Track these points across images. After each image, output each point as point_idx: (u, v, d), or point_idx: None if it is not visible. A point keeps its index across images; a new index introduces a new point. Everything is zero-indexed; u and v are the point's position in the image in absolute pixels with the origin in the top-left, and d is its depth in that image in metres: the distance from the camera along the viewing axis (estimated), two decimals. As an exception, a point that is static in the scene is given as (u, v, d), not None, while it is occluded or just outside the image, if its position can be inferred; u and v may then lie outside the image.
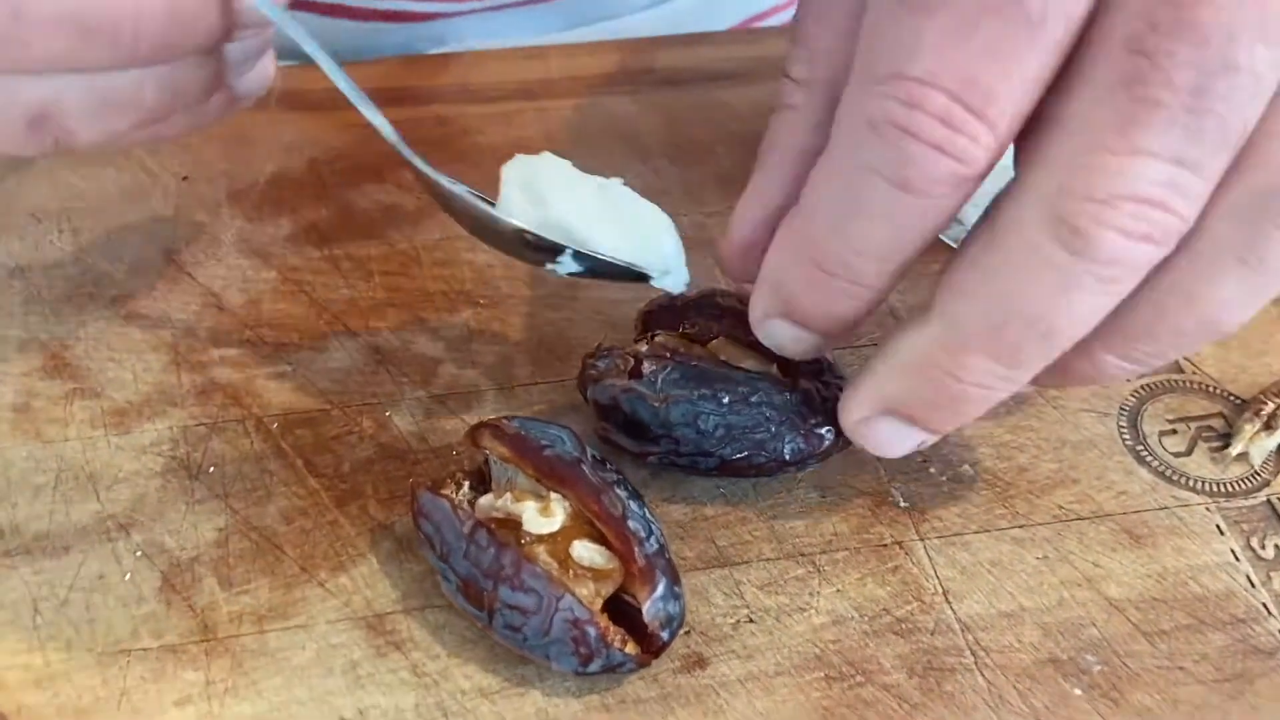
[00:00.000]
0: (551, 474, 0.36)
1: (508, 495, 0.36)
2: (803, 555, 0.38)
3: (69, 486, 0.40)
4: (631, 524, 0.35)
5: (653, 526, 0.35)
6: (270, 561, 0.38)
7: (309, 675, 0.35)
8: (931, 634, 0.36)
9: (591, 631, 0.33)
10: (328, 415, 0.42)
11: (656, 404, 0.38)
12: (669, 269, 0.37)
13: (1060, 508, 0.39)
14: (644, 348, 0.39)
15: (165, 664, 0.35)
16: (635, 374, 0.39)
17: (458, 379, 0.44)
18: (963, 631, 0.36)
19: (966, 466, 0.40)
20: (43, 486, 0.40)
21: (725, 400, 0.37)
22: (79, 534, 0.38)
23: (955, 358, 0.31)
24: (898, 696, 0.34)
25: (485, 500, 0.36)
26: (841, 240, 0.32)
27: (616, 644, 0.33)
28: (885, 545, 0.38)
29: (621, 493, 0.35)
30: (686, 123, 0.54)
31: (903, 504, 0.39)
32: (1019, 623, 0.36)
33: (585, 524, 0.35)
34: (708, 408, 0.37)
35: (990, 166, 0.30)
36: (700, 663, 0.35)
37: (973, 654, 0.35)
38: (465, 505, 0.36)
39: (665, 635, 0.34)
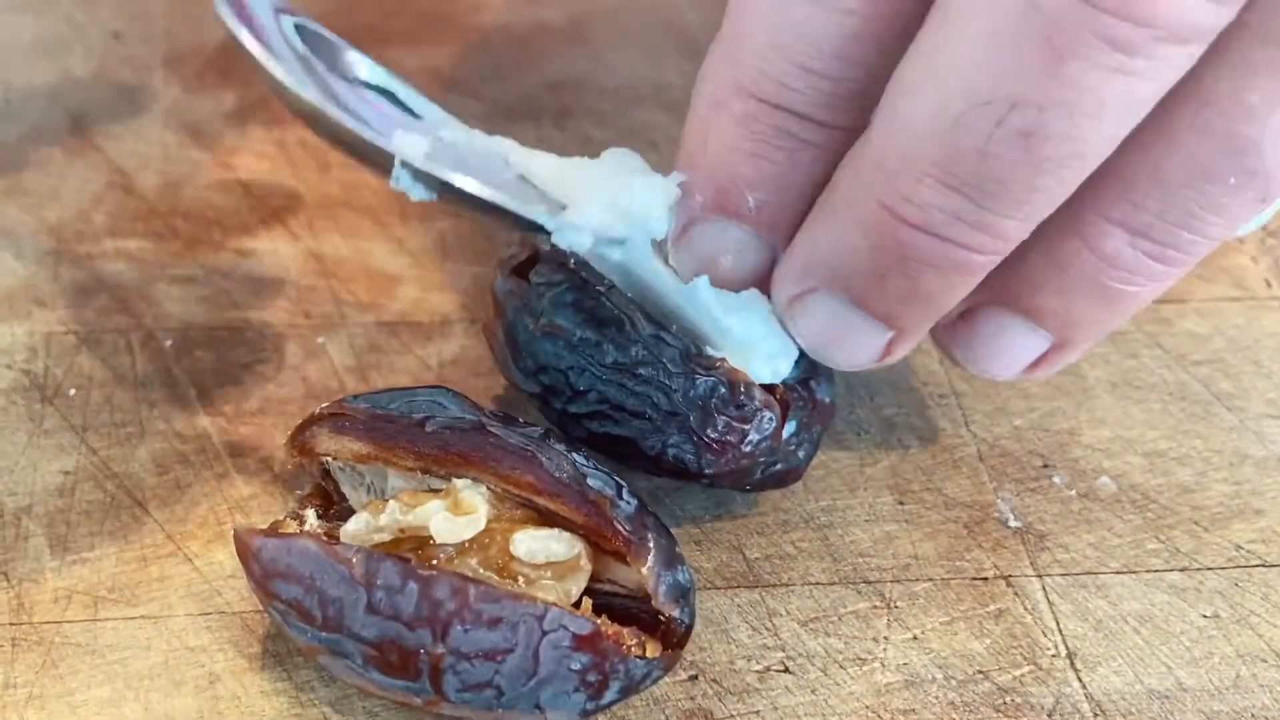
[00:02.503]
0: (447, 454, 0.24)
1: (391, 506, 0.24)
2: (867, 583, 0.27)
3: (-119, 397, 0.29)
4: (591, 483, 0.24)
5: (617, 479, 0.24)
6: (125, 522, 0.27)
7: (148, 689, 0.24)
8: (1050, 715, 0.25)
9: (603, 644, 0.22)
10: (240, 336, 0.32)
11: (531, 325, 0.27)
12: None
13: (1238, 548, 0.28)
14: (546, 245, 0.28)
15: (-46, 653, 0.25)
16: (522, 271, 0.28)
17: (419, 304, 0.33)
18: (1095, 716, 0.25)
19: (1106, 479, 0.29)
20: None
21: (609, 360, 0.26)
22: (-122, 461, 0.28)
23: (894, 181, 0.22)
24: (997, 805, 0.23)
25: (354, 525, 0.24)
26: (775, 51, 0.23)
27: (634, 651, 0.23)
28: (986, 579, 0.27)
29: (558, 447, 0.25)
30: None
31: (1013, 523, 0.28)
32: (1177, 709, 0.25)
33: (518, 508, 0.24)
34: (584, 360, 0.26)
35: None
36: (709, 725, 0.24)
37: (1109, 751, 0.24)
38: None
39: (684, 616, 0.24)
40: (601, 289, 0.27)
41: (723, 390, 0.26)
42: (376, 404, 0.25)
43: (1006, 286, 0.24)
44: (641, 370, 0.26)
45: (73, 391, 0.30)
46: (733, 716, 0.24)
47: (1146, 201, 0.22)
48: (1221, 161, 0.21)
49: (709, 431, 0.26)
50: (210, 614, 0.26)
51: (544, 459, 0.24)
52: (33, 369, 0.31)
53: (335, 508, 0.26)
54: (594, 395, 0.27)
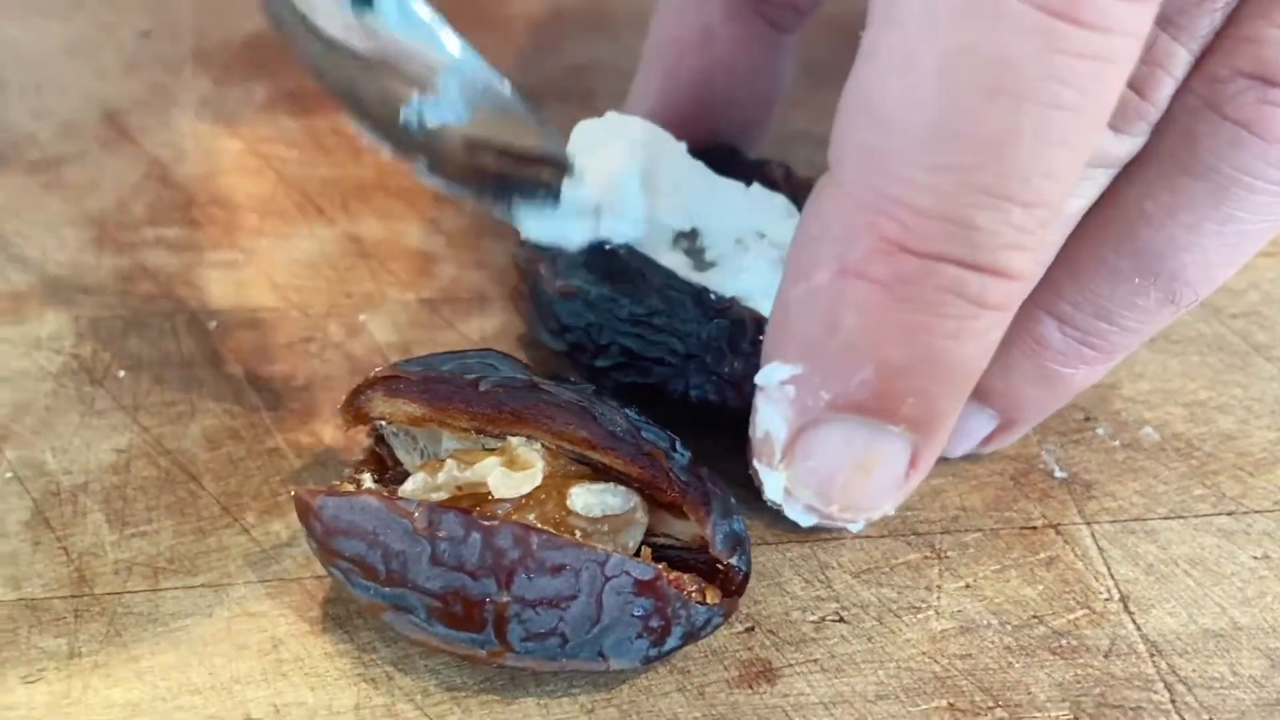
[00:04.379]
0: (501, 413, 0.24)
1: (448, 464, 0.24)
2: (916, 534, 0.27)
3: (-67, 384, 0.30)
4: (646, 436, 0.24)
5: (670, 434, 0.25)
6: (181, 497, 0.28)
7: (212, 654, 0.25)
8: (1106, 656, 0.25)
9: (664, 589, 0.23)
10: (284, 316, 0.32)
11: (550, 290, 0.28)
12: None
13: (1284, 491, 0.28)
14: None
15: (18, 624, 0.25)
16: None
17: (458, 282, 0.33)
18: (1151, 656, 0.25)
19: (1149, 429, 0.29)
20: (-104, 380, 0.30)
21: (624, 314, 0.27)
22: (-67, 445, 0.28)
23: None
24: (1059, 744, 0.23)
25: (411, 485, 0.24)
26: (944, 177, 0.18)
27: (695, 596, 0.23)
28: (1035, 528, 0.27)
29: (611, 402, 0.25)
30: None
31: (1059, 474, 0.28)
32: (1232, 646, 0.25)
33: (572, 464, 0.25)
34: (602, 316, 0.27)
35: None
36: (767, 674, 0.24)
37: (1167, 688, 0.24)
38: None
39: (740, 563, 0.24)
40: (611, 245, 0.27)
41: (735, 329, 0.26)
42: (429, 366, 0.25)
43: None
44: (656, 319, 0.27)
45: (122, 373, 0.30)
46: (791, 665, 0.25)
47: (1065, 292, 0.23)
48: (1125, 262, 0.23)
49: (725, 369, 0.26)
50: (270, 581, 0.26)
51: (598, 414, 0.24)
52: (81, 353, 0.31)
53: (390, 472, 0.26)
54: (616, 348, 0.27)
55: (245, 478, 0.28)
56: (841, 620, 0.25)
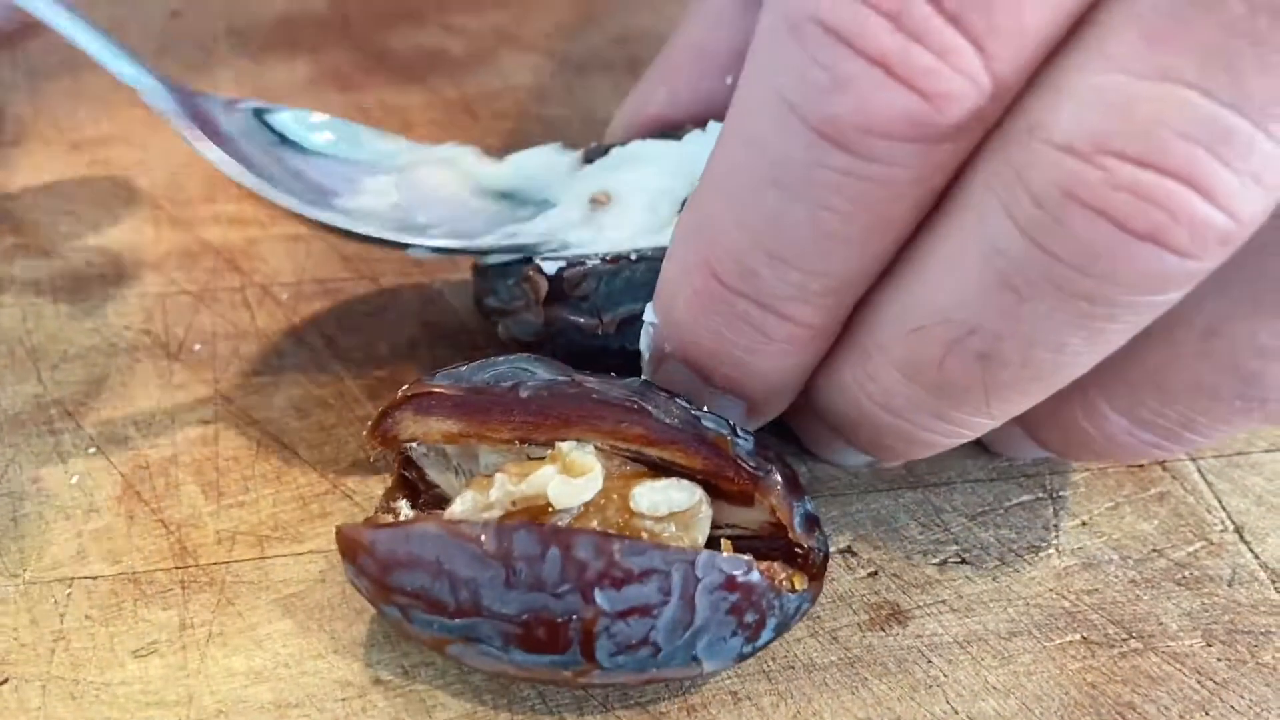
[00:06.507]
0: (546, 419, 0.23)
1: (499, 479, 0.22)
2: (1026, 476, 0.27)
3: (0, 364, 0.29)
4: (706, 424, 0.23)
5: (728, 419, 0.23)
6: (277, 466, 0.27)
7: (331, 618, 0.24)
8: (1229, 585, 0.25)
9: (757, 582, 0.21)
10: (355, 286, 0.32)
11: (598, 330, 0.26)
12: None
13: (1378, 422, 0.28)
14: (562, 262, 0.26)
15: (123, 598, 0.24)
16: (557, 296, 0.26)
17: (529, 249, 0.33)
18: (1273, 582, 0.25)
19: (1237, 366, 0.30)
20: (-38, 360, 0.29)
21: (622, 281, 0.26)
22: (10, 423, 0.27)
23: (864, 363, 0.23)
24: (1196, 670, 0.23)
25: (460, 507, 0.22)
26: (741, 232, 0.21)
27: (784, 585, 0.22)
28: (1142, 465, 0.27)
29: (662, 394, 0.23)
30: None
31: (1157, 412, 0.29)
32: (1349, 573, 0.25)
33: (627, 463, 0.23)
34: (610, 285, 0.26)
35: (986, 116, 0.18)
36: (897, 616, 0.24)
37: (1293, 613, 0.24)
38: None
39: (820, 544, 0.23)
40: (632, 256, 0.26)
41: None
42: (459, 379, 0.23)
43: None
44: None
45: (198, 347, 0.30)
46: (920, 606, 0.24)
47: (1149, 402, 0.22)
48: (1227, 387, 0.21)
49: None
50: (380, 545, 0.25)
51: (651, 408, 0.23)
52: (151, 328, 0.30)
53: (423, 497, 0.25)
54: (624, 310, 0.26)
55: (340, 445, 0.27)
56: (964, 562, 0.25)
